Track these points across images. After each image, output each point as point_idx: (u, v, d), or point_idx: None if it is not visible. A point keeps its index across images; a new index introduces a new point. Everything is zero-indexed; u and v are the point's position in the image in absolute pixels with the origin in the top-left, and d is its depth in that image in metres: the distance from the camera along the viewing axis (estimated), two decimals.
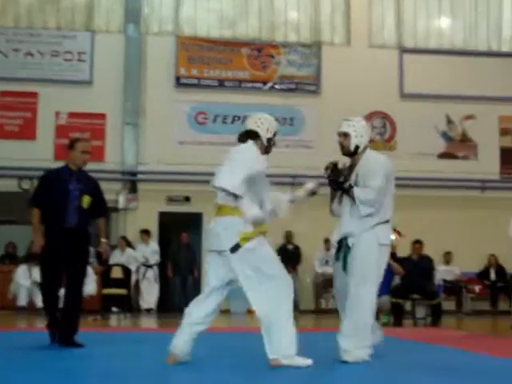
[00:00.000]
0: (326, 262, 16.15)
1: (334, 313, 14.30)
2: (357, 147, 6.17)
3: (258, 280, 5.59)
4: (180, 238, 16.43)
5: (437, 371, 5.49)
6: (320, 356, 5.75)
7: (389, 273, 11.75)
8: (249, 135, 6.01)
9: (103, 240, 7.73)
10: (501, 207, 15.55)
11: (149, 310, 15.43)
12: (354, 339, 5.87)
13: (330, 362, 5.83)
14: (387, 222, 6.11)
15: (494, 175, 17.29)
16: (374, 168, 6.06)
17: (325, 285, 16.07)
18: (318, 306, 16.10)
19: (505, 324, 12.04)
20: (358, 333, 5.89)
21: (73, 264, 7.26)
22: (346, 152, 6.26)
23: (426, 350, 7.47)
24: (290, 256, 16.16)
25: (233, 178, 5.64)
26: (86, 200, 7.37)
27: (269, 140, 6.03)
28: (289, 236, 16.28)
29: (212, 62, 16.67)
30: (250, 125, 6.12)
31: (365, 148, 6.20)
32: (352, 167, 6.23)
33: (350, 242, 6.09)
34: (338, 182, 6.13)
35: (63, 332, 7.13)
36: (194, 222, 16.42)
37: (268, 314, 5.50)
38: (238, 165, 5.68)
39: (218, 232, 5.78)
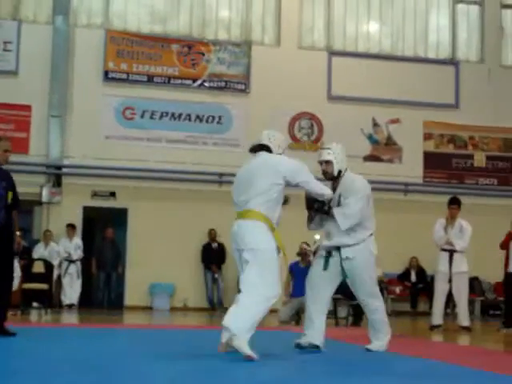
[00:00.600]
0: None
1: None
2: (339, 172, 6.90)
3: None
4: (105, 233, 16.28)
5: (343, 368, 5.59)
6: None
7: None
8: (261, 148, 6.60)
9: (17, 233, 7.85)
10: (423, 210, 15.89)
11: (70, 306, 15.23)
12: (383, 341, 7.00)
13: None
14: (372, 234, 6.98)
15: (417, 179, 17.62)
16: (354, 188, 6.88)
17: None
18: None
19: (424, 325, 12.30)
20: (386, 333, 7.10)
21: (3, 259, 7.49)
22: (329, 177, 6.95)
23: (343, 349, 7.59)
24: (214, 254, 16.19)
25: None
26: (10, 196, 7.54)
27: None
28: (213, 234, 16.26)
29: (141, 57, 16.54)
30: (264, 140, 6.68)
31: (345, 170, 6.94)
32: (335, 189, 6.87)
33: (345, 252, 6.79)
34: (325, 210, 6.76)
35: None
36: (119, 218, 16.29)
37: (248, 299, 5.91)
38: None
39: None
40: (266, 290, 5.95)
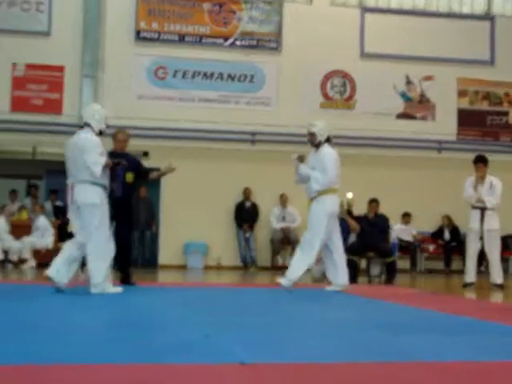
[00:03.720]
0: (283, 218, 16.29)
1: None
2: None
3: None
4: (138, 192, 16.39)
5: (387, 327, 5.60)
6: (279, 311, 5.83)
7: (345, 230, 11.91)
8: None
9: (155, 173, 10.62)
10: (456, 168, 15.76)
11: None
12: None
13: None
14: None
15: (450, 136, 17.47)
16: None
17: (282, 241, 16.21)
18: (274, 262, 16.22)
19: (457, 283, 12.29)
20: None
21: (120, 228, 9.28)
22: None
23: (379, 307, 7.62)
24: (247, 213, 16.26)
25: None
26: (129, 176, 9.41)
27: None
28: (247, 193, 16.32)
29: (173, 16, 16.48)
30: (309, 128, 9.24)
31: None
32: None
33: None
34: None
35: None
36: None
37: None
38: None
39: None
40: None
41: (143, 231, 16.12)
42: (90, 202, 7.87)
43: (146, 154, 16.23)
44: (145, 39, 16.41)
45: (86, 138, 8.01)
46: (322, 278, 12.15)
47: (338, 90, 17.14)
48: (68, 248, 8.02)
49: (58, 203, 15.98)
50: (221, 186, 16.23)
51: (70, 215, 8.13)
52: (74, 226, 8.08)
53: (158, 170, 16.09)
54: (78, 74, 16.00)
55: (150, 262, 16.05)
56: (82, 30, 16.05)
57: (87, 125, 8.18)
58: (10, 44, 15.77)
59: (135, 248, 16.24)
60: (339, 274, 9.11)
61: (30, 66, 15.86)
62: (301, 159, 9.22)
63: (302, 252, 9.03)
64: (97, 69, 16.08)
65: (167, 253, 16.24)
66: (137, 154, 16.22)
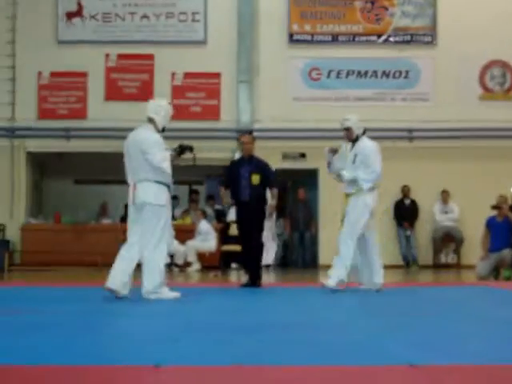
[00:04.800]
0: (446, 212, 15.91)
1: (454, 267, 14.19)
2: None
3: None
4: (297, 194, 16.52)
5: None
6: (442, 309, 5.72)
7: (508, 226, 11.53)
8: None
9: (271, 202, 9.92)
10: None
11: (267, 266, 15.64)
12: None
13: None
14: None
15: None
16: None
17: (444, 239, 15.86)
18: (436, 260, 15.88)
19: None
20: None
21: (252, 229, 9.69)
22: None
23: None
24: (407, 211, 16.03)
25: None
26: (255, 178, 9.58)
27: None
28: (406, 190, 16.09)
29: (325, 16, 16.50)
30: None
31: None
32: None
33: None
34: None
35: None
36: (309, 178, 16.48)
37: None
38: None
39: None
40: None
41: (302, 233, 16.23)
42: (156, 202, 7.37)
43: (302, 155, 16.36)
44: (298, 41, 16.52)
45: (146, 137, 7.53)
46: (489, 276, 11.80)
47: (498, 80, 16.56)
48: (129, 254, 7.37)
49: (217, 207, 16.36)
50: (380, 183, 16.04)
51: (129, 216, 7.53)
52: (131, 229, 7.45)
53: (314, 171, 16.24)
54: (233, 80, 16.34)
55: (311, 263, 16.14)
56: (237, 37, 16.39)
57: (150, 120, 7.67)
58: (168, 54, 16.33)
59: (295, 250, 16.43)
60: (375, 273, 8.79)
61: (187, 75, 16.36)
62: (334, 152, 9.05)
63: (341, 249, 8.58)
64: (252, 74, 16.37)
65: (327, 253, 16.20)
66: (293, 155, 16.42)
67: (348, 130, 8.80)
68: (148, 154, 7.37)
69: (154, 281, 7.24)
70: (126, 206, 8.46)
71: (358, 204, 8.60)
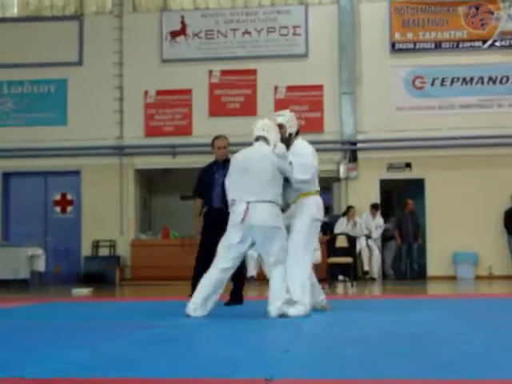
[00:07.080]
0: None
1: None
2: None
3: None
4: (405, 205, 16.30)
5: None
6: None
7: None
8: None
9: None
10: None
11: (373, 279, 15.49)
12: None
13: None
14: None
15: None
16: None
17: None
18: None
19: None
20: None
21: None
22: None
23: None
24: None
25: None
26: None
27: None
28: None
29: (427, 24, 16.28)
30: None
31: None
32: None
33: None
34: None
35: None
36: (415, 188, 16.28)
37: None
38: None
39: None
40: None
41: (410, 244, 16.02)
42: (275, 225, 6.92)
43: (408, 165, 16.17)
44: (400, 50, 16.34)
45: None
46: None
47: None
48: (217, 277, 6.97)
49: (323, 219, 16.29)
50: (487, 192, 15.71)
51: (235, 237, 6.94)
52: (234, 248, 6.96)
53: (421, 181, 15.98)
54: (336, 92, 16.31)
55: (419, 274, 15.90)
56: (338, 48, 16.37)
57: (263, 138, 7.30)
58: (270, 68, 16.45)
59: (402, 261, 16.21)
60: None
61: (290, 88, 16.43)
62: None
63: None
64: (354, 85, 16.30)
65: (435, 264, 15.97)
66: (399, 165, 16.23)
67: (280, 127, 7.56)
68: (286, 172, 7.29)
69: (280, 297, 6.88)
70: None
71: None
